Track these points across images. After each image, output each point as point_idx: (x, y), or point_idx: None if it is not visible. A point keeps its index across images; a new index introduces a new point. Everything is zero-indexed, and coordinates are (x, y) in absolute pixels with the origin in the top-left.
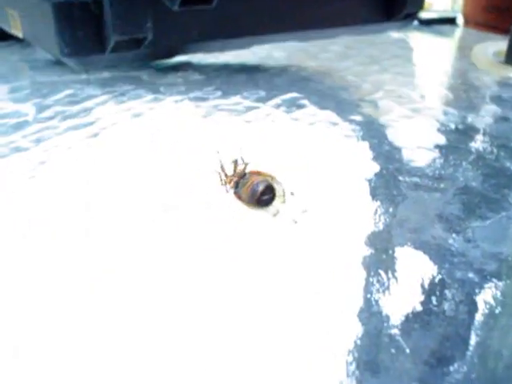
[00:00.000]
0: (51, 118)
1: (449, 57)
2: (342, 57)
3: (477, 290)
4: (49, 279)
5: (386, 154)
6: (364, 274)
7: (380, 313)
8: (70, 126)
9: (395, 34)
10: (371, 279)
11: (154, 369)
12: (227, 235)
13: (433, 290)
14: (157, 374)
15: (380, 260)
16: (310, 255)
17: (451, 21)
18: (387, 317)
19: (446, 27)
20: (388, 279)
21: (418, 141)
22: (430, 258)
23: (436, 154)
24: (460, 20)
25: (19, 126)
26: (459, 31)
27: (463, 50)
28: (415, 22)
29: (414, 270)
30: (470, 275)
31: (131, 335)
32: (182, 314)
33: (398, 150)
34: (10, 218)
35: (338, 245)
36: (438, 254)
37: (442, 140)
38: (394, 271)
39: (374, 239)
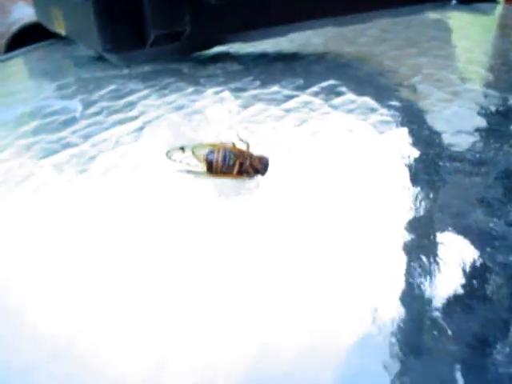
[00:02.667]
0: (97, 113)
1: (489, 36)
2: (379, 41)
3: None
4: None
5: (426, 139)
6: (405, 258)
7: (422, 296)
8: (115, 121)
9: (433, 15)
10: (413, 264)
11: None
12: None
13: (474, 274)
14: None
15: (421, 245)
16: (352, 240)
17: None
18: (429, 300)
19: (486, 5)
20: (429, 264)
21: (458, 125)
22: (472, 242)
23: (476, 137)
24: None
25: (68, 123)
26: (500, 9)
27: (504, 29)
28: (453, 1)
29: (456, 254)
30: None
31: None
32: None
33: (438, 134)
34: (64, 213)
35: (378, 230)
36: (480, 237)
37: (482, 123)
38: (435, 256)
39: (414, 224)
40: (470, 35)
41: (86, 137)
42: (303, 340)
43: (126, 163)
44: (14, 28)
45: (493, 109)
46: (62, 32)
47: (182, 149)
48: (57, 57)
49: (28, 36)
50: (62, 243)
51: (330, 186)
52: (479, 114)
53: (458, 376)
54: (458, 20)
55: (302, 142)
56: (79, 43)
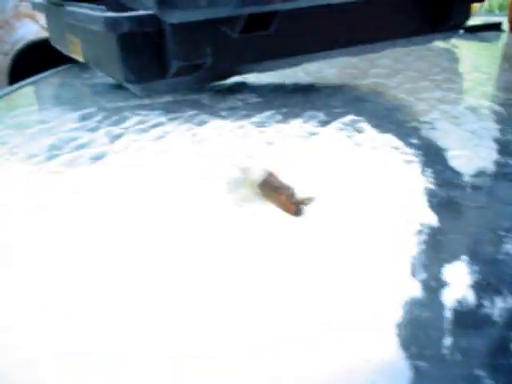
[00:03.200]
0: (125, 148)
1: (497, 68)
2: (392, 72)
3: None
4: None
5: (449, 179)
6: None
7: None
8: (145, 157)
9: (441, 44)
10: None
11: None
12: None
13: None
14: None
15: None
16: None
17: (496, 26)
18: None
19: (492, 34)
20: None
21: (479, 166)
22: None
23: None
24: (505, 25)
25: (97, 157)
26: (505, 37)
27: (511, 61)
28: (461, 31)
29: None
30: None
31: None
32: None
33: (460, 175)
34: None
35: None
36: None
37: (505, 164)
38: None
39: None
40: (479, 67)
41: (117, 175)
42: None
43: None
44: (20, 44)
45: (505, 141)
46: (80, 58)
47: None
48: (75, 84)
49: (34, 54)
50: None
51: (354, 223)
52: (501, 152)
53: None
54: (465, 49)
55: (330, 180)
56: (99, 71)
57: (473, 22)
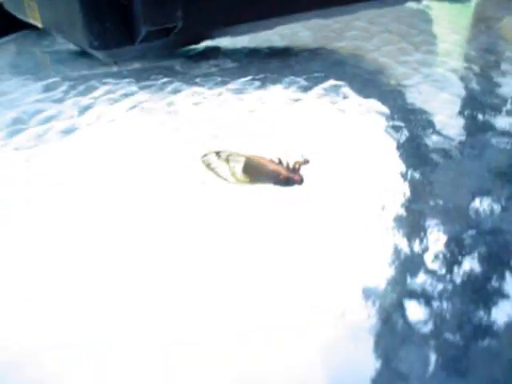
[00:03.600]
0: (97, 119)
1: (475, 30)
2: (369, 34)
3: None
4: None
5: (438, 145)
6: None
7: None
8: (117, 131)
9: (414, 5)
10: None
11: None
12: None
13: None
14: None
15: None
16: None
17: None
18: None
19: None
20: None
21: (466, 130)
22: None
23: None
24: None
25: (67, 131)
26: None
27: (487, 21)
28: None
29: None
30: None
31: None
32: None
33: (450, 139)
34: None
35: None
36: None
37: (487, 123)
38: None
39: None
40: (455, 28)
41: (90, 148)
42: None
43: (135, 181)
44: None
45: (490, 104)
46: (38, 23)
47: (218, 154)
48: (34, 52)
49: None
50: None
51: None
52: (489, 115)
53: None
54: (439, 10)
55: (320, 149)
56: (60, 37)
57: None
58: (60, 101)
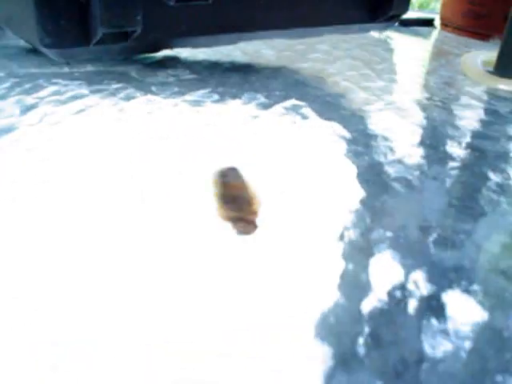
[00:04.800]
0: (39, 120)
1: (436, 63)
2: (332, 58)
3: None
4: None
5: (397, 174)
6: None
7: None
8: (61, 134)
9: (376, 35)
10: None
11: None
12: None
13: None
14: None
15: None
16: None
17: (429, 22)
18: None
19: (424, 29)
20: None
21: (424, 159)
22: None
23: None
24: (437, 22)
25: (6, 130)
26: (437, 34)
27: (446, 55)
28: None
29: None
30: None
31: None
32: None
33: (408, 168)
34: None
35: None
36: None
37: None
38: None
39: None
40: (417, 60)
41: (28, 150)
42: None
43: (78, 190)
44: None
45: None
46: None
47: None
48: None
49: None
50: None
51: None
52: (451, 146)
53: None
54: (401, 42)
55: (276, 170)
56: (11, 32)
57: (406, 15)
58: (2, 97)
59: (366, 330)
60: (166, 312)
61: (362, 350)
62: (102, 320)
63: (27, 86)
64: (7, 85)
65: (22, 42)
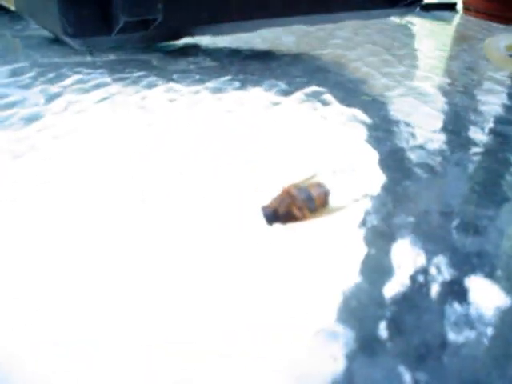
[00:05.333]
0: (64, 109)
1: (458, 48)
2: (353, 44)
3: None
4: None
5: (420, 159)
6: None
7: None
8: (85, 121)
9: (397, 20)
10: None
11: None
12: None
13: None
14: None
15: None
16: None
17: (451, 7)
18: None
19: (446, 13)
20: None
21: (445, 145)
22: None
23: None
24: (459, 6)
25: (31, 118)
26: (459, 18)
27: (468, 40)
28: (417, 8)
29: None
30: None
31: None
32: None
33: (430, 153)
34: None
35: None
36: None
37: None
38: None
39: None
40: (438, 45)
41: (55, 138)
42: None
43: (99, 178)
44: None
45: (474, 121)
46: (11, 6)
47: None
48: (4, 35)
49: None
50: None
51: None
52: (466, 129)
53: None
54: (422, 27)
55: (297, 156)
56: (33, 23)
57: (427, 0)
58: (27, 87)
59: (388, 314)
60: (167, 312)
61: (384, 334)
62: (101, 320)
63: (51, 75)
64: (31, 74)
65: (45, 33)
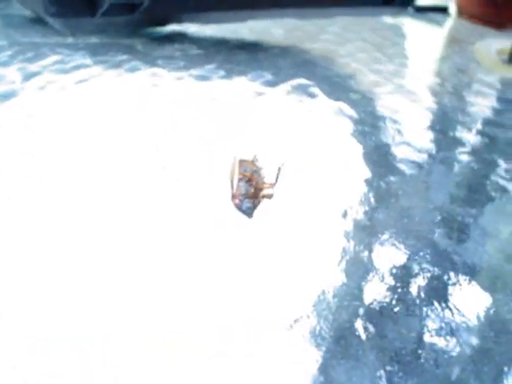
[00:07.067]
0: (41, 88)
1: (450, 50)
2: (343, 40)
3: None
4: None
5: (404, 155)
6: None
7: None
8: (63, 101)
9: (390, 20)
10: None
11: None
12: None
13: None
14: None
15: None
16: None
17: (443, 10)
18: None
19: (439, 16)
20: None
21: (431, 143)
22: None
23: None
24: (452, 10)
25: (7, 96)
26: (452, 22)
27: (459, 43)
28: (409, 9)
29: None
30: None
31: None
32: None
33: (415, 150)
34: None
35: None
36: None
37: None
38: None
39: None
40: (430, 46)
41: (29, 117)
42: None
43: (74, 163)
44: None
45: (461, 121)
46: None
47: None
48: None
49: None
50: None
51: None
52: (453, 129)
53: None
54: (415, 27)
55: (280, 148)
56: (15, 1)
57: (420, 2)
58: (3, 64)
59: (366, 307)
60: (167, 312)
61: (360, 327)
62: (100, 319)
63: (30, 54)
64: (9, 53)
65: (27, 12)
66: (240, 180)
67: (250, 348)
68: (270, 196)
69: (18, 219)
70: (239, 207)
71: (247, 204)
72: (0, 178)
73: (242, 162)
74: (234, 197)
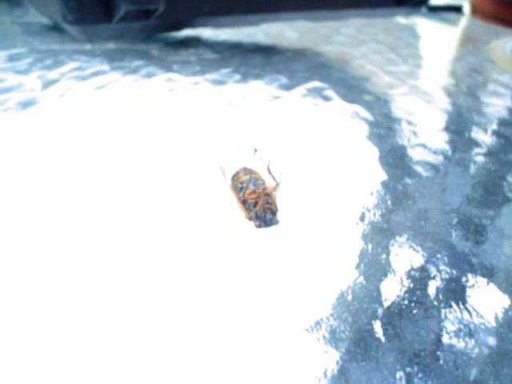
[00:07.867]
0: (61, 95)
1: (464, 50)
2: (357, 42)
3: None
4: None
5: (420, 157)
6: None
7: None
8: (82, 108)
9: (403, 20)
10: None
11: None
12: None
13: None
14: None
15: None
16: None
17: (457, 9)
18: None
19: (452, 15)
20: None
21: (447, 144)
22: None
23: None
24: (466, 9)
25: (27, 104)
26: (466, 21)
27: (474, 43)
28: (423, 9)
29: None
30: None
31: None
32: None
33: (432, 152)
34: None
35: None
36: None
37: (473, 139)
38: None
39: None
40: (444, 46)
41: (50, 124)
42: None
43: (95, 170)
44: None
45: (477, 122)
46: None
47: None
48: (3, 21)
49: None
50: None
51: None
52: (469, 130)
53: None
54: (428, 28)
55: (297, 151)
56: (33, 9)
57: (434, 2)
58: (23, 72)
59: (385, 308)
60: (168, 312)
61: (379, 330)
62: (100, 319)
63: (48, 61)
64: (29, 60)
65: (44, 20)
66: (244, 203)
67: (270, 350)
68: (275, 194)
69: (36, 225)
70: (262, 227)
71: (267, 217)
72: (21, 186)
73: (234, 179)
74: (250, 220)
